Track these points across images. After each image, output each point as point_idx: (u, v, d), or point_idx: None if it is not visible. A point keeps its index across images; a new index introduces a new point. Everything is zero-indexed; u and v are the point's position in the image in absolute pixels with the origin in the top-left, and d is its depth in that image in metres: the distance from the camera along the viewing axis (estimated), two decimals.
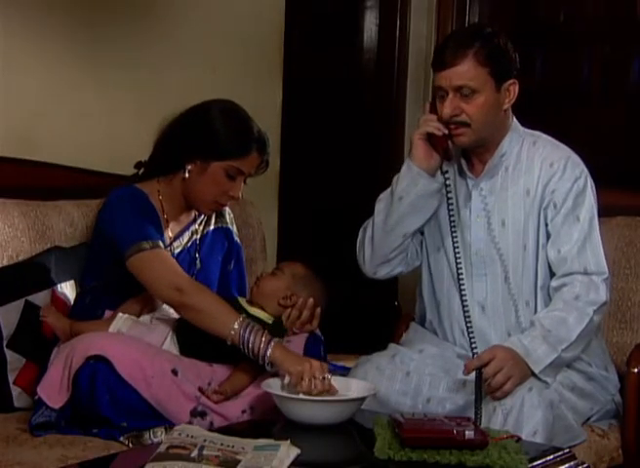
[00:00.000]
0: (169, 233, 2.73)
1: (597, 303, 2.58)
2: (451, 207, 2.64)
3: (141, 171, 2.79)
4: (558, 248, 2.62)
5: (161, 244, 2.60)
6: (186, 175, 2.67)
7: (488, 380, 2.44)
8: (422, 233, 2.78)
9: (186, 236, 2.77)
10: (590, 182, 2.67)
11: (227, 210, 2.89)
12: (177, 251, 2.74)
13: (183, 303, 2.54)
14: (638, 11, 3.52)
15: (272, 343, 2.47)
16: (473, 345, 2.58)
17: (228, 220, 2.89)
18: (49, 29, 3.02)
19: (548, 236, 2.64)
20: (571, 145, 2.72)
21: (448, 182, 2.65)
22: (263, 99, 3.65)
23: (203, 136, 2.66)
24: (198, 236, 2.80)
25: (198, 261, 2.77)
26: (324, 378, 2.40)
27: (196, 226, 2.80)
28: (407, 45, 3.82)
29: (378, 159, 3.83)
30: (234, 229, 2.91)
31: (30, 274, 2.73)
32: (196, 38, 3.40)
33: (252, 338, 2.47)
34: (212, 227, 2.84)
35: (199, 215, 2.80)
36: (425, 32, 3.84)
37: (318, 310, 2.72)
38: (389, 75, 3.83)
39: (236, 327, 2.49)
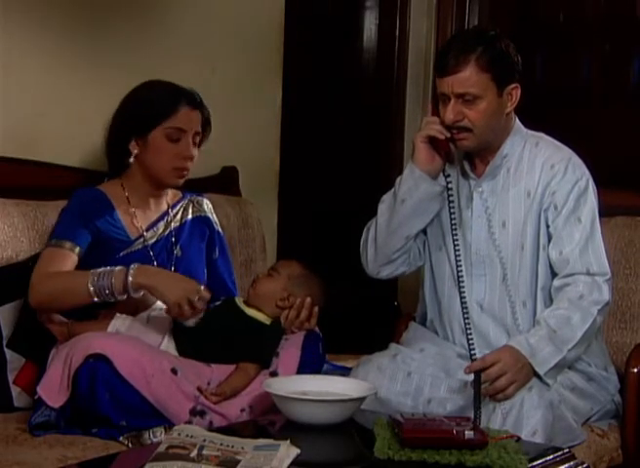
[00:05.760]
0: (137, 224, 2.75)
1: (600, 303, 2.58)
2: (452, 209, 2.64)
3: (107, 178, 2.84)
4: (560, 249, 2.62)
5: (67, 244, 2.62)
6: (132, 159, 2.71)
7: (488, 382, 2.43)
8: (425, 233, 2.78)
9: (162, 226, 2.80)
10: (592, 184, 2.67)
11: (205, 201, 2.93)
12: (151, 241, 2.76)
13: (35, 301, 2.59)
14: (638, 11, 3.52)
15: (131, 270, 2.50)
16: (471, 345, 2.58)
17: (207, 209, 2.92)
18: (49, 29, 3.01)
19: (549, 238, 2.65)
20: (571, 145, 2.72)
21: (450, 185, 2.65)
22: (263, 99, 3.65)
23: (129, 113, 2.73)
24: (177, 225, 2.82)
25: (178, 250, 2.79)
26: (200, 299, 2.47)
27: (171, 215, 2.81)
28: (407, 45, 3.81)
29: (377, 159, 3.83)
30: (214, 218, 2.93)
31: (30, 274, 2.73)
32: (196, 38, 3.39)
33: (107, 281, 2.51)
34: (190, 216, 2.87)
35: (174, 205, 2.84)
36: (425, 32, 3.83)
37: (316, 309, 2.72)
38: (389, 75, 3.83)
39: (90, 282, 2.51)
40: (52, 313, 2.66)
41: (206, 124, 2.78)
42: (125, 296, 2.53)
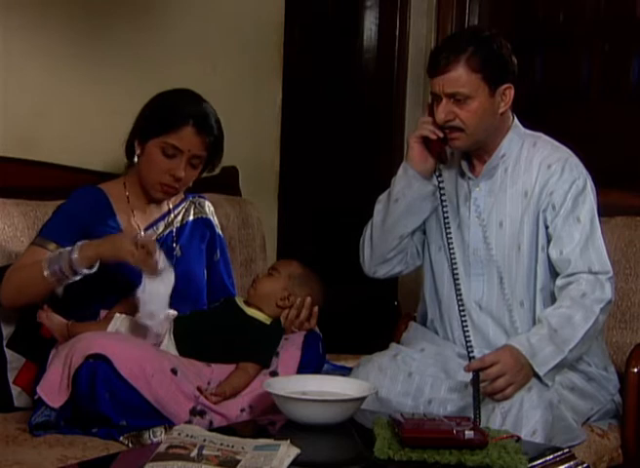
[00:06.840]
0: (135, 223, 2.75)
1: (603, 301, 2.58)
2: (445, 209, 2.65)
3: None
4: (560, 249, 2.61)
5: (51, 246, 2.61)
6: (135, 158, 2.73)
7: (486, 383, 2.43)
8: (425, 232, 2.79)
9: (162, 226, 2.80)
10: (590, 184, 2.66)
11: (207, 202, 2.93)
12: None
13: (3, 297, 2.60)
14: (638, 11, 3.53)
15: (75, 247, 2.51)
16: (469, 345, 2.58)
17: (208, 212, 2.92)
18: (49, 29, 3.02)
19: (549, 238, 2.64)
20: (571, 145, 2.72)
21: (442, 185, 2.65)
22: (263, 99, 3.66)
23: (140, 118, 2.74)
24: (178, 226, 2.82)
25: (178, 250, 2.79)
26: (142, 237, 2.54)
27: (172, 216, 2.82)
28: (407, 45, 3.82)
29: (377, 159, 3.83)
30: (215, 221, 2.93)
31: None
32: (196, 38, 3.40)
33: (57, 263, 2.51)
34: (191, 218, 2.86)
35: (176, 206, 2.84)
36: (425, 32, 3.84)
37: (316, 309, 2.72)
38: (389, 75, 3.83)
39: (45, 267, 2.53)
40: (18, 307, 2.65)
41: (213, 150, 2.73)
42: (78, 276, 2.53)
